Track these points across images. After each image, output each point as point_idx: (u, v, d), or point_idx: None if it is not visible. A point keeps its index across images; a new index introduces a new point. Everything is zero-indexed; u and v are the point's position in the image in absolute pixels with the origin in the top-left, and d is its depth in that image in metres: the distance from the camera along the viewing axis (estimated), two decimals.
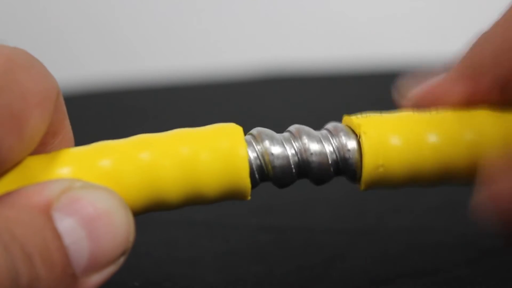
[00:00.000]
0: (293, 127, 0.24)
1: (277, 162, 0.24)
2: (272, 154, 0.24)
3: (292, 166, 0.24)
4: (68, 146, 0.23)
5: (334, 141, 0.24)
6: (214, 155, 0.23)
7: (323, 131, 0.24)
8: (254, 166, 0.24)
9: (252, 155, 0.24)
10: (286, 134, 0.24)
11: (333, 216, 0.34)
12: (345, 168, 0.24)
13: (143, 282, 0.29)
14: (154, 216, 0.34)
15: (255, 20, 0.75)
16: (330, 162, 0.24)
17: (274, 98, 0.56)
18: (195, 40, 0.75)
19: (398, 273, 0.28)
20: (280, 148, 0.24)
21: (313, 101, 0.54)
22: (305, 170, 0.24)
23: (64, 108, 0.23)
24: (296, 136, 0.24)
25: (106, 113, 0.55)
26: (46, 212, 0.21)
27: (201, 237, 0.33)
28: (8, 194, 0.21)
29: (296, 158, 0.24)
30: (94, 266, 0.21)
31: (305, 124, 0.25)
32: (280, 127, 0.25)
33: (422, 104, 0.26)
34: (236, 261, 0.30)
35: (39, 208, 0.21)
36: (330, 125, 0.25)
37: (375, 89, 0.57)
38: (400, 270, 0.29)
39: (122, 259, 0.22)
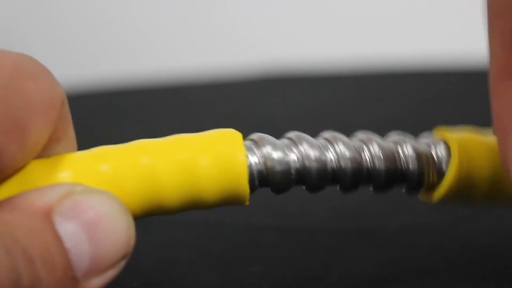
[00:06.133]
0: (292, 134, 0.24)
1: (278, 168, 0.24)
2: (274, 159, 0.24)
3: (293, 172, 0.24)
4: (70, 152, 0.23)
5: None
6: (213, 160, 0.23)
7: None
8: (254, 172, 0.24)
9: (253, 160, 0.24)
10: (285, 140, 0.24)
11: (333, 216, 0.34)
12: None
13: (142, 282, 0.29)
14: (154, 217, 0.34)
15: (255, 20, 0.75)
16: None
17: (274, 98, 0.56)
18: (194, 40, 0.75)
19: (398, 273, 0.28)
20: (282, 153, 0.24)
21: (313, 101, 0.54)
22: (310, 175, 0.24)
23: (69, 116, 0.23)
24: (296, 142, 0.24)
25: (106, 113, 0.55)
26: (47, 216, 0.21)
27: (200, 237, 0.33)
28: (9, 199, 0.21)
29: (297, 165, 0.24)
30: (95, 269, 0.21)
31: (305, 124, 0.25)
32: (280, 127, 0.25)
33: None
34: (236, 262, 0.30)
35: (40, 213, 0.21)
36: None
37: (374, 89, 0.57)
38: (400, 270, 0.29)
39: (122, 263, 0.22)
